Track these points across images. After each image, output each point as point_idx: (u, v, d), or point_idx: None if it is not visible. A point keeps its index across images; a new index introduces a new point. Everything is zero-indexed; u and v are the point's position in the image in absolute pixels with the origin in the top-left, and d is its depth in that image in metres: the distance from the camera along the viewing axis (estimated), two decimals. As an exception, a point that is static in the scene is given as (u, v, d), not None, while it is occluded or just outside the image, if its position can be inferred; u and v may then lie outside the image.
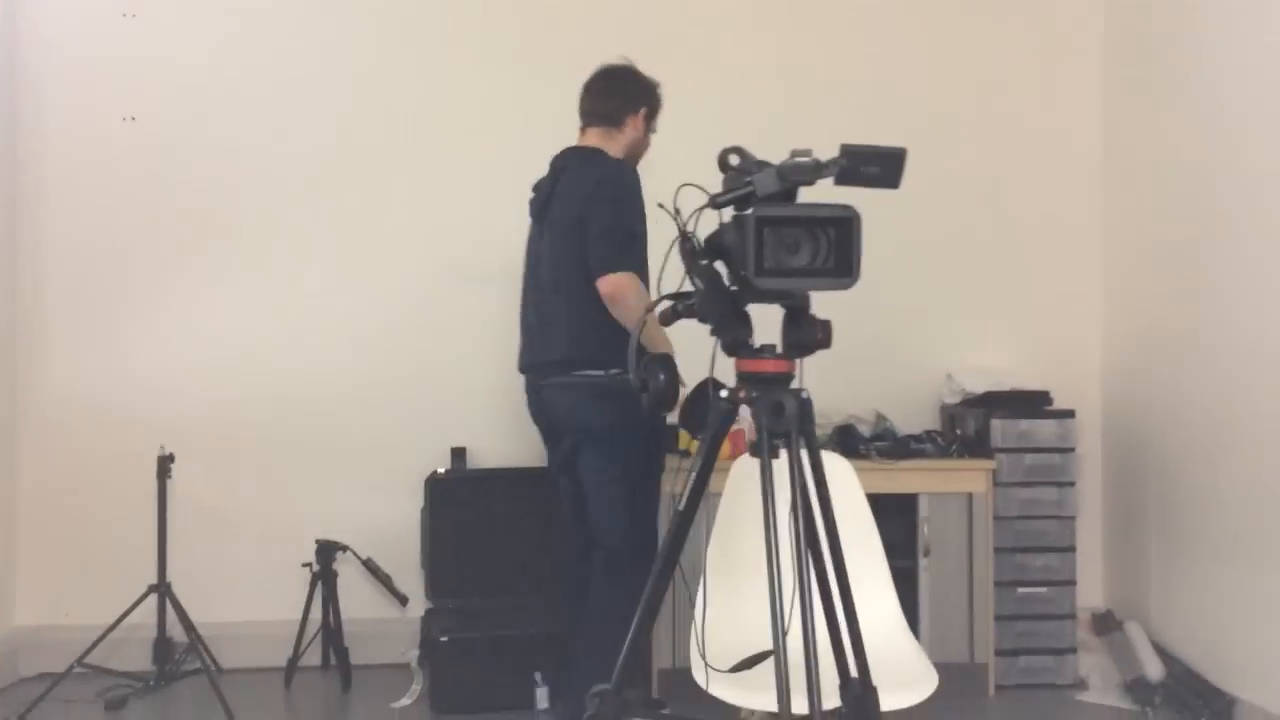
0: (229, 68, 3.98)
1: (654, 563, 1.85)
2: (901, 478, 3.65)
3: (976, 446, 3.76)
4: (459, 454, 3.94)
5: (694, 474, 1.83)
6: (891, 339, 4.04)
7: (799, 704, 1.59)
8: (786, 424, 1.72)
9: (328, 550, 3.75)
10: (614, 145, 3.10)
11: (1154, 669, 3.61)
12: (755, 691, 2.09)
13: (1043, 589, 3.74)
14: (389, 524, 3.94)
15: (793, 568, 1.66)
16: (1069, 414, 3.77)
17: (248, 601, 3.92)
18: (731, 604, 2.10)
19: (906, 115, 4.08)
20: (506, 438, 3.97)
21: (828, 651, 1.83)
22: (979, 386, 3.93)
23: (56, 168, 3.92)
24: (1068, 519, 3.75)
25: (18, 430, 3.88)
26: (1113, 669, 3.76)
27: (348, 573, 3.84)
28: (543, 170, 3.13)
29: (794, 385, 1.78)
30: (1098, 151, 4.25)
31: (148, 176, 3.96)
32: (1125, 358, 4.10)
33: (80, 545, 3.89)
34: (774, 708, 1.66)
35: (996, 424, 3.72)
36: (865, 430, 3.78)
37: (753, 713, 2.32)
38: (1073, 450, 3.76)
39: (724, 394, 1.80)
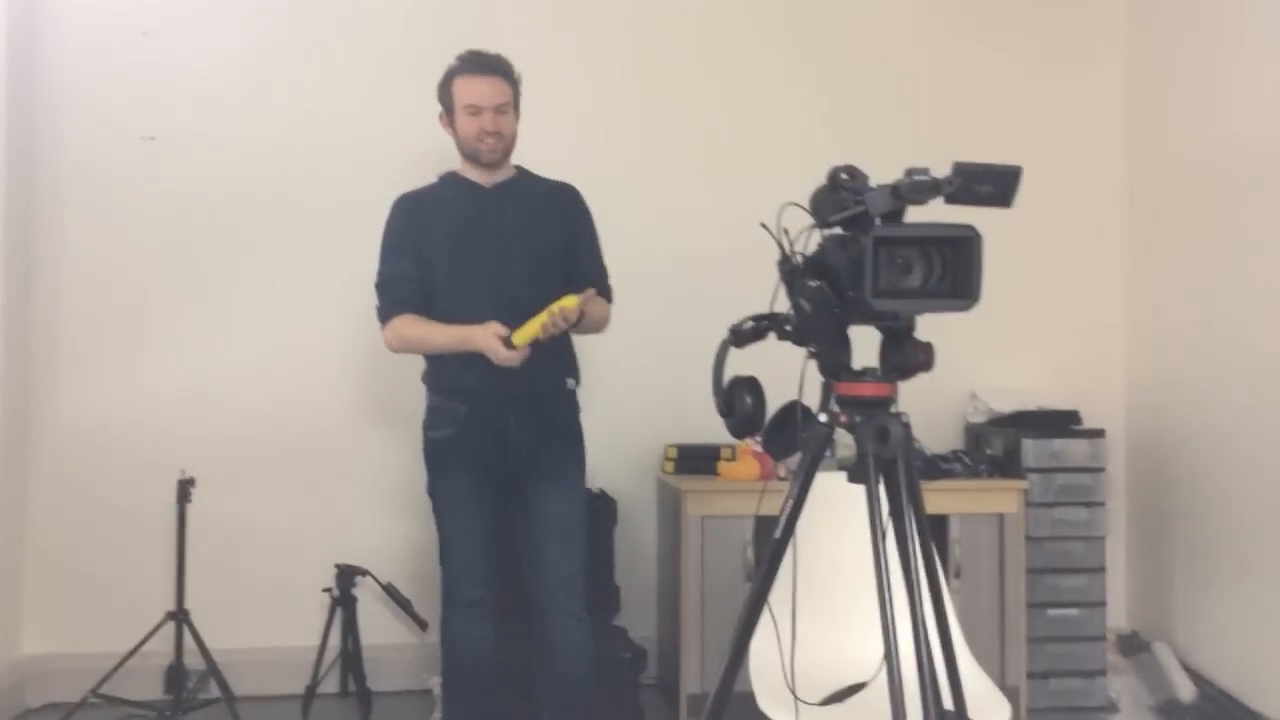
0: (248, 88, 3.91)
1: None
2: (931, 498, 3.53)
3: (1006, 466, 3.74)
4: (481, 476, 3.87)
5: (791, 501, 1.78)
6: (915, 358, 4.01)
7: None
8: (892, 449, 1.68)
9: (347, 575, 3.67)
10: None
11: (1185, 690, 3.60)
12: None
13: (1073, 610, 3.71)
14: (409, 548, 3.86)
15: (895, 596, 1.62)
16: (1099, 433, 3.76)
17: (265, 628, 3.82)
18: (812, 634, 2.05)
19: (925, 133, 4.07)
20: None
21: (917, 683, 1.78)
22: (1006, 406, 3.91)
23: (74, 187, 3.83)
24: (1097, 539, 3.73)
25: (29, 455, 3.76)
26: (1143, 691, 3.74)
27: (367, 598, 3.76)
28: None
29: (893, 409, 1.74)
30: (1120, 169, 4.26)
31: (165, 197, 3.87)
32: (1149, 376, 4.09)
33: (90, 571, 3.78)
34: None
35: (1028, 444, 3.70)
36: (894, 451, 3.75)
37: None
38: (1103, 470, 3.74)
39: (823, 418, 1.75)
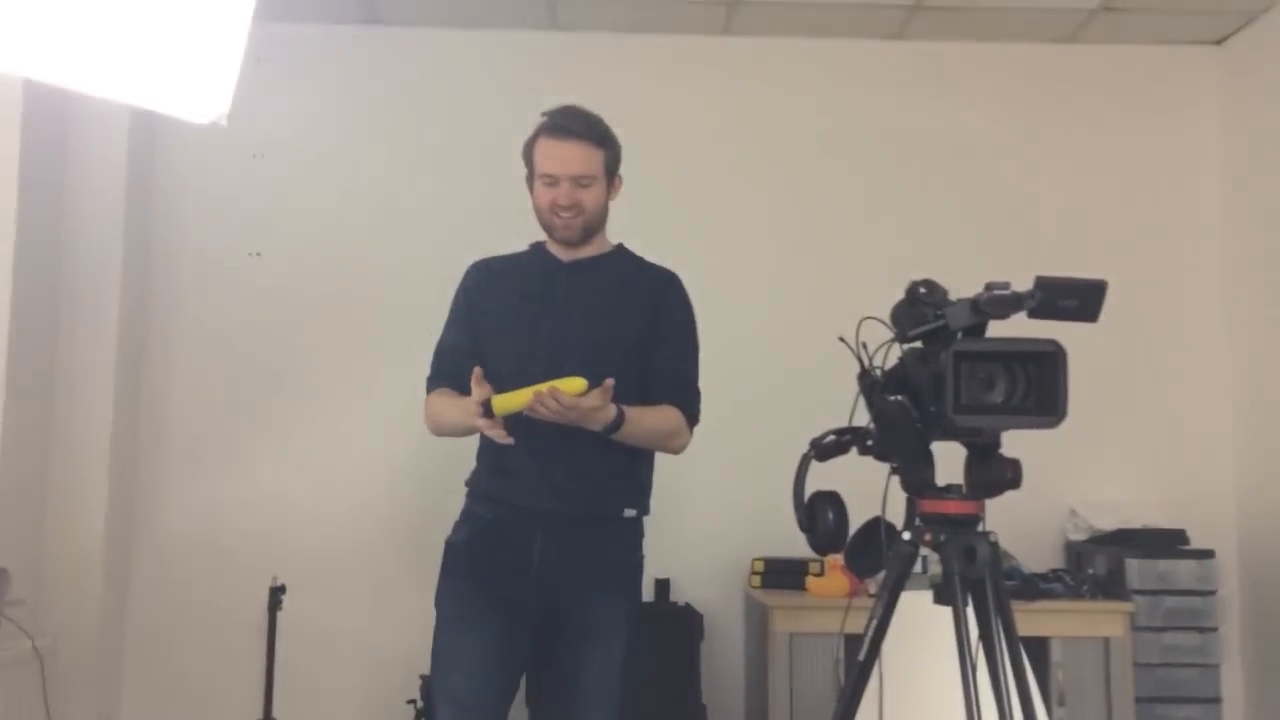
0: (347, 204, 4.08)
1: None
2: (1031, 620, 3.43)
3: (1110, 587, 3.58)
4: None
5: (875, 622, 1.73)
6: (1010, 472, 3.90)
7: None
8: (979, 569, 1.63)
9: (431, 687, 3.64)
10: None
11: (1315, 835, 3.34)
12: None
13: (1187, 742, 3.50)
14: (494, 659, 3.83)
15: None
16: (1209, 554, 3.59)
17: (350, 738, 3.81)
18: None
19: (1019, 242, 4.03)
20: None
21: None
22: (1107, 523, 3.77)
23: (184, 301, 4.01)
24: (1211, 667, 3.53)
25: (133, 561, 3.87)
26: (1268, 833, 3.48)
27: (451, 710, 3.72)
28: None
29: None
30: (1222, 277, 4.15)
31: (266, 309, 4.03)
32: (1263, 490, 3.90)
33: (184, 676, 3.83)
34: None
35: (1132, 564, 3.54)
36: (990, 568, 3.63)
37: None
38: (1214, 593, 3.56)
39: (907, 536, 1.71)
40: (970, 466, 1.70)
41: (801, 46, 4.19)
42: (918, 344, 1.65)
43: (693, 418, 2.41)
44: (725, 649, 3.92)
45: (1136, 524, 3.73)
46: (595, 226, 2.44)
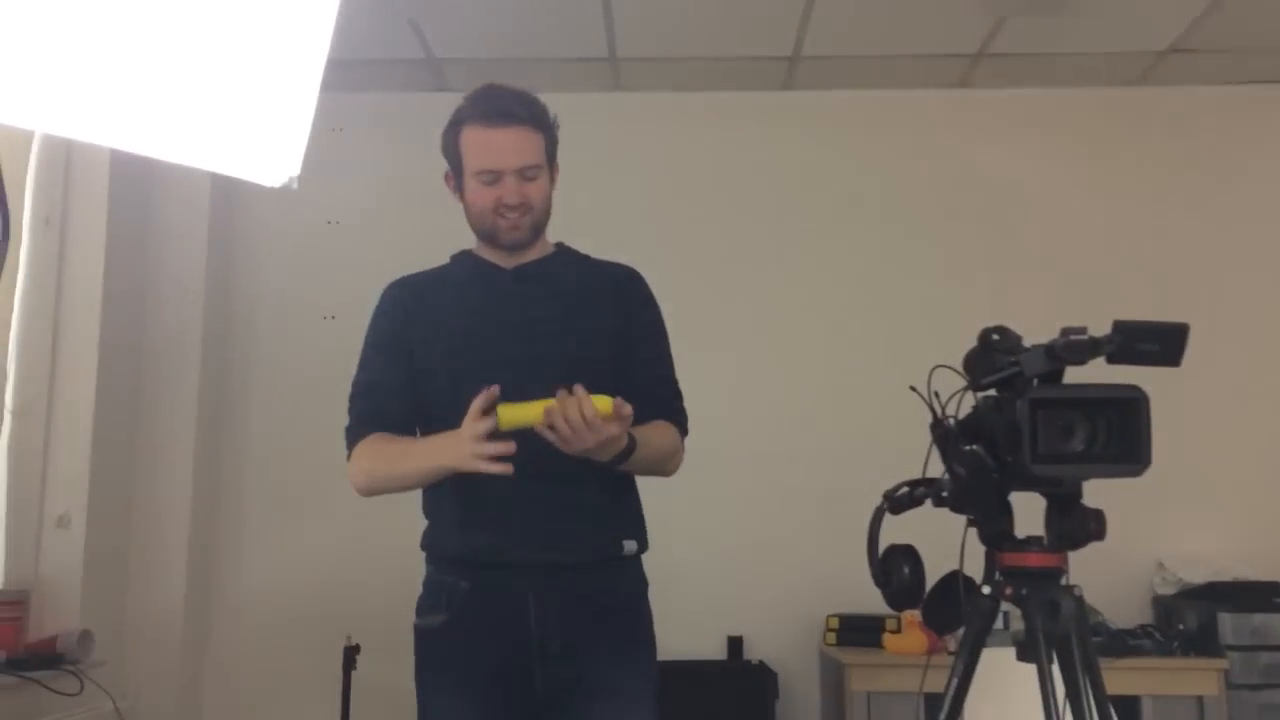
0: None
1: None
2: (1120, 678, 3.31)
3: (1202, 643, 3.44)
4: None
5: (955, 680, 1.68)
6: (1093, 524, 3.79)
7: None
8: (1064, 625, 1.57)
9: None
10: None
11: None
12: None
13: (1292, 808, 3.33)
14: None
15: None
16: (1307, 607, 3.44)
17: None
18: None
19: (1095, 287, 3.95)
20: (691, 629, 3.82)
21: None
22: (1197, 576, 3.64)
23: (261, 364, 4.10)
24: (1314, 726, 3.36)
25: (211, 623, 3.93)
26: None
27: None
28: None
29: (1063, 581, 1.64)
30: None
31: (343, 371, 4.08)
32: (1361, 545, 3.75)
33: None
34: None
35: (1225, 618, 3.41)
36: (1075, 624, 3.51)
37: None
38: (1313, 648, 3.41)
39: (986, 590, 1.66)
40: (1051, 518, 1.65)
41: (865, 98, 4.20)
42: (992, 392, 1.62)
43: (684, 430, 2.12)
44: (800, 708, 3.84)
45: (1228, 576, 3.59)
46: (543, 224, 2.11)
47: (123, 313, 3.60)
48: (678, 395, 2.14)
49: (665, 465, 2.07)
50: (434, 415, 2.03)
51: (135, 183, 3.67)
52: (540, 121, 2.07)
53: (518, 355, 2.01)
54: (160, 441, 3.75)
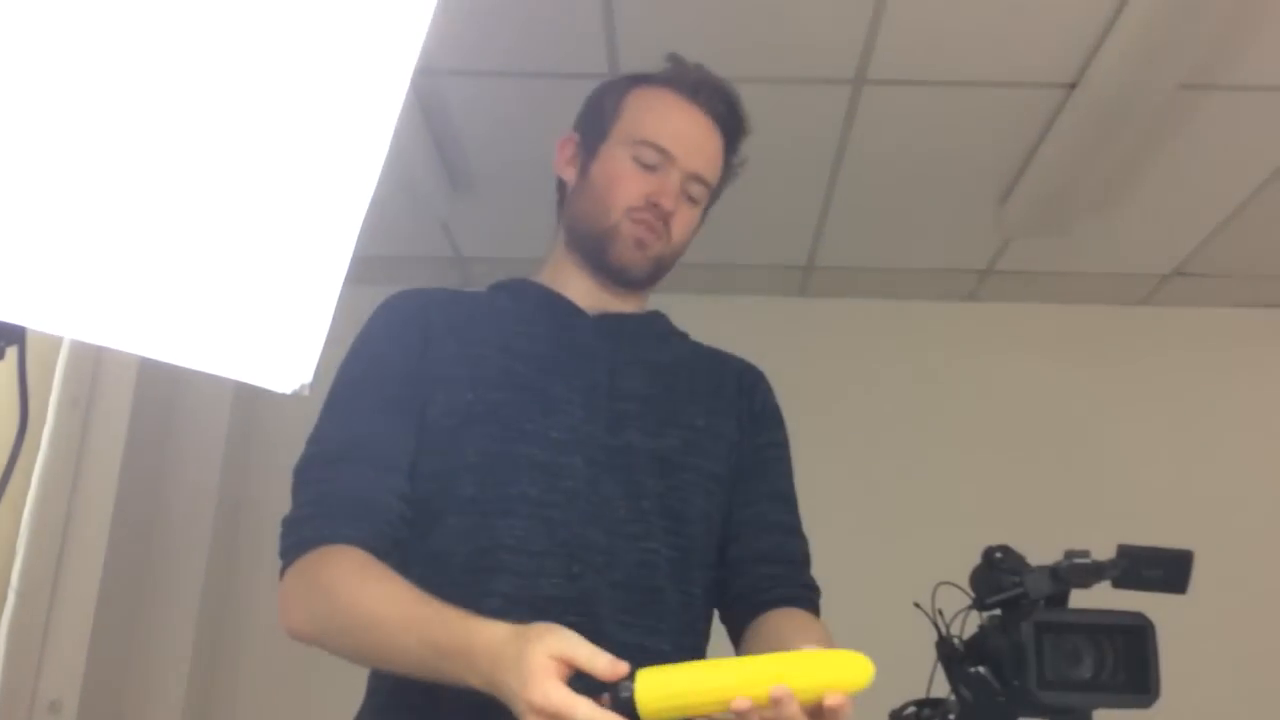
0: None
1: None
2: None
3: None
4: None
5: None
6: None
7: None
8: None
9: None
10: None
11: None
12: None
13: None
14: None
15: None
16: None
17: None
18: None
19: (1100, 505, 3.92)
20: None
21: None
22: (1225, 810, 3.46)
23: (267, 571, 3.86)
24: None
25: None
26: None
27: None
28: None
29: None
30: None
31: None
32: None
33: None
34: None
35: None
36: None
37: None
38: None
39: (995, 823, 1.59)
40: (1061, 747, 1.60)
41: (875, 308, 4.30)
42: (996, 612, 1.60)
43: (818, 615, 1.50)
44: None
45: (1258, 812, 3.42)
46: (666, 270, 1.50)
47: (136, 502, 3.61)
48: (809, 559, 1.54)
49: None
50: (445, 509, 1.29)
51: (162, 372, 3.75)
52: (735, 130, 1.50)
53: (589, 441, 1.35)
54: (158, 635, 3.69)
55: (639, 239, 1.42)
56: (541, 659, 1.01)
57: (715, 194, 1.54)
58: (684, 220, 1.46)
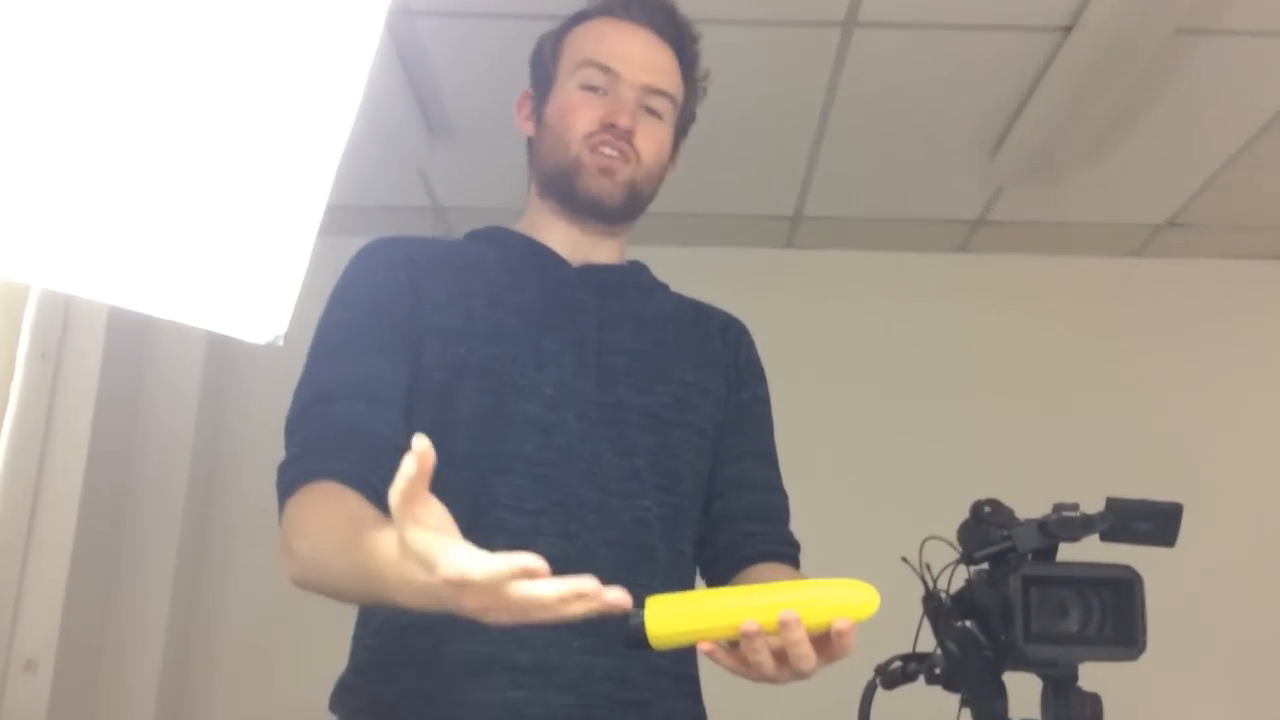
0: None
1: None
2: None
3: (1216, 835, 3.27)
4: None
5: None
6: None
7: None
8: (1062, 818, 1.48)
9: None
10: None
11: None
12: None
13: None
14: None
15: None
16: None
17: None
18: None
19: (1091, 459, 3.91)
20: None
21: None
22: (1209, 761, 3.47)
23: (244, 519, 3.91)
24: None
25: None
26: None
27: None
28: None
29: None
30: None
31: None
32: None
33: None
34: None
35: (1239, 809, 3.24)
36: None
37: None
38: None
39: (979, 777, 1.57)
40: (1046, 700, 1.57)
41: (863, 260, 4.24)
42: (984, 566, 1.57)
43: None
44: None
45: (1242, 763, 3.44)
46: (643, 198, 1.43)
47: (109, 457, 3.55)
48: (789, 515, 1.57)
49: None
50: (450, 457, 1.16)
51: (133, 323, 3.68)
52: (683, 43, 1.44)
53: (581, 396, 1.32)
54: (135, 589, 3.65)
55: (603, 166, 1.38)
56: (425, 537, 0.96)
57: (688, 114, 1.50)
58: (650, 136, 1.41)
